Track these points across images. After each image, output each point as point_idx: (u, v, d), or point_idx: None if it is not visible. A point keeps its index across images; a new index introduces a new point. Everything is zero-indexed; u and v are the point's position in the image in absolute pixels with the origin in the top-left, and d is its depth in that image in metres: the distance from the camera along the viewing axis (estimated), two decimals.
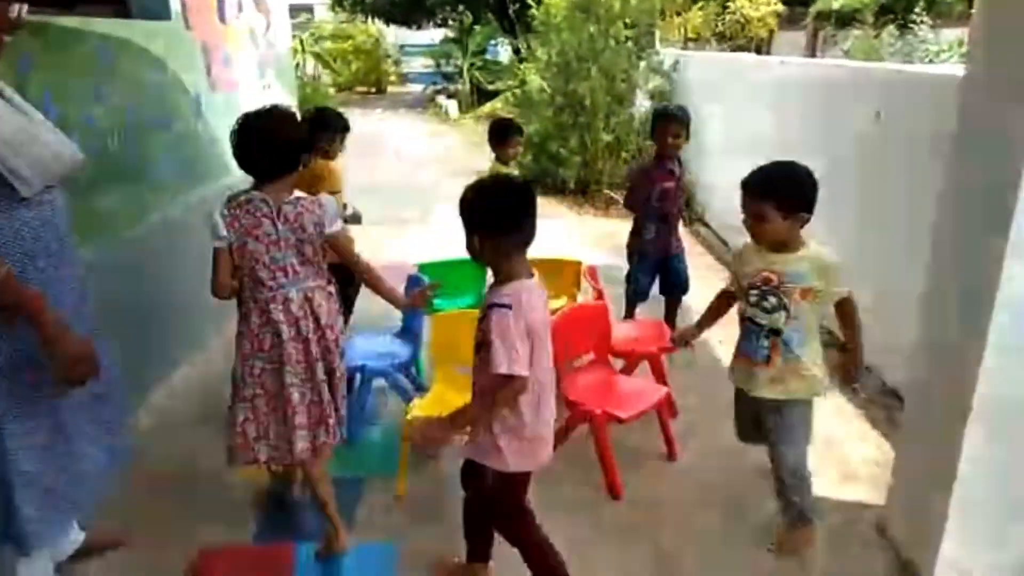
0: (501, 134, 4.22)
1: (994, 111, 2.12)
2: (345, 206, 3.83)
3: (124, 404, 2.35)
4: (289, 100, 6.79)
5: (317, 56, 21.21)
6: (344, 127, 3.96)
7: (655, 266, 4.07)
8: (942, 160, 2.39)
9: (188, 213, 4.36)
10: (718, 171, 6.83)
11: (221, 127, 4.99)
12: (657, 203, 3.93)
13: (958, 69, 2.95)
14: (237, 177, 5.12)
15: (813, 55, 17.35)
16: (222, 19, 5.08)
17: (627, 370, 3.49)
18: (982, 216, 2.16)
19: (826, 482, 3.02)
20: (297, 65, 17.11)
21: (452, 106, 17.30)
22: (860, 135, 4.04)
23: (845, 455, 3.23)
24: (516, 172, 4.38)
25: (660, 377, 3.48)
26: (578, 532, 2.74)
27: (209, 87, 4.81)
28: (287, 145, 2.38)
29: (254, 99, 5.74)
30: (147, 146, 3.98)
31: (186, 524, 2.79)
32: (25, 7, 1.83)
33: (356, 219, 4.06)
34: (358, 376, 3.37)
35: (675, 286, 4.14)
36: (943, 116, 2.40)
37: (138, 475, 3.08)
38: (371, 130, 14.66)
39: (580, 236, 6.76)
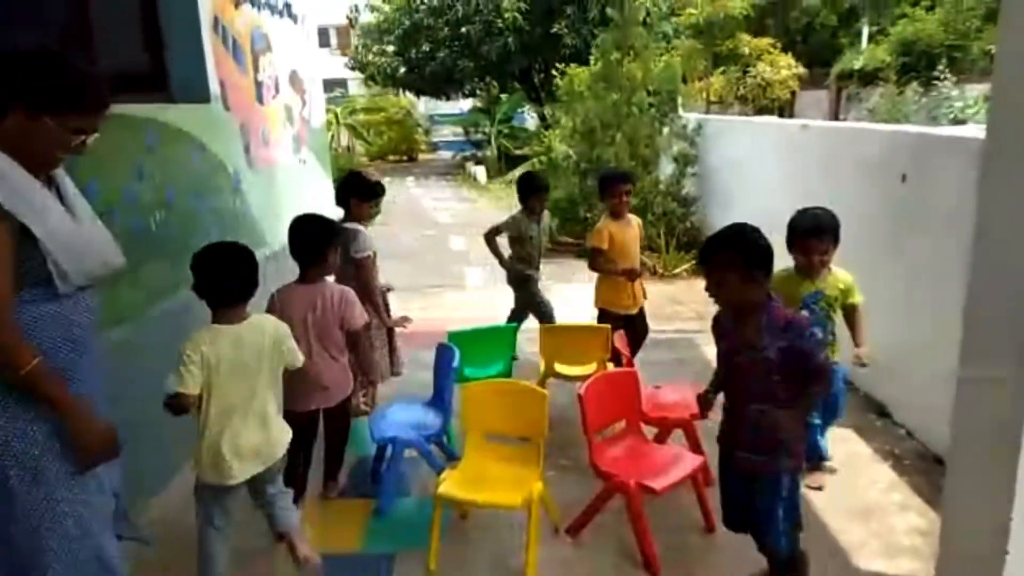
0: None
1: (1015, 177, 2.12)
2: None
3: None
4: (323, 171, 7.02)
5: (351, 128, 21.94)
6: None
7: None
8: (967, 229, 2.37)
9: None
10: None
11: (258, 202, 5.17)
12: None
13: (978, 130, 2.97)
14: (274, 248, 5.29)
15: (836, 114, 17.47)
16: (260, 100, 5.32)
17: (660, 438, 3.44)
18: (1015, 284, 2.13)
19: (870, 554, 2.92)
20: (332, 137, 17.71)
21: (480, 172, 17.66)
22: (886, 198, 4.04)
23: (888, 526, 3.12)
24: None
25: (695, 445, 3.42)
26: None
27: (247, 165, 5.00)
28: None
29: (291, 173, 5.95)
30: (187, 222, 4.13)
31: None
32: (95, 136, 1.98)
33: (388, 290, 4.15)
34: (390, 448, 3.37)
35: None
36: (969, 178, 2.40)
37: (171, 553, 3.10)
38: (403, 197, 15.01)
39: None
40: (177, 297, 3.86)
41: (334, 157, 11.26)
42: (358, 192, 4.02)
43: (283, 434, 2.68)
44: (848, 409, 4.14)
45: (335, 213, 6.53)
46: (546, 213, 5.43)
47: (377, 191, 4.14)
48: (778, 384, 2.37)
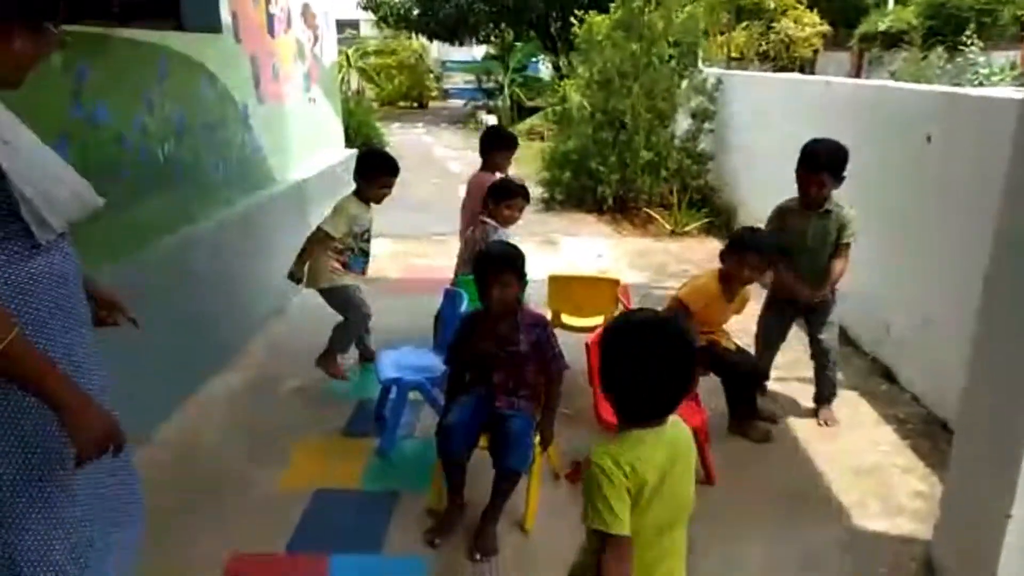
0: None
1: None
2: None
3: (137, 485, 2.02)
4: (334, 112, 6.90)
5: (361, 71, 21.57)
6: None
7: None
8: (997, 189, 2.31)
9: (231, 223, 4.43)
10: (759, 192, 6.73)
11: (267, 137, 5.08)
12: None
13: (1012, 92, 2.87)
14: (281, 188, 5.23)
15: (858, 76, 17.09)
16: (271, 33, 5.19)
17: None
18: None
19: (871, 514, 2.93)
20: (342, 79, 17.42)
21: (492, 121, 17.40)
22: (909, 159, 3.94)
23: (891, 487, 3.12)
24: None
25: (696, 401, 3.41)
26: None
27: (256, 99, 4.91)
28: None
29: (300, 111, 5.85)
30: (196, 154, 4.06)
31: (220, 532, 2.81)
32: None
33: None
34: (394, 389, 3.37)
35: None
36: (997, 141, 2.32)
37: (173, 484, 3.14)
38: (412, 144, 14.83)
39: (616, 254, 6.72)
40: (182, 231, 3.83)
41: (344, 100, 11.09)
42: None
43: None
44: (854, 372, 4.14)
45: (339, 152, 6.44)
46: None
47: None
48: None
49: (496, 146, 4.40)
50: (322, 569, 2.62)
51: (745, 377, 3.50)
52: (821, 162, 3.33)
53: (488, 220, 3.76)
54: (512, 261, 2.80)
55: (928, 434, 3.52)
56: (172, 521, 2.85)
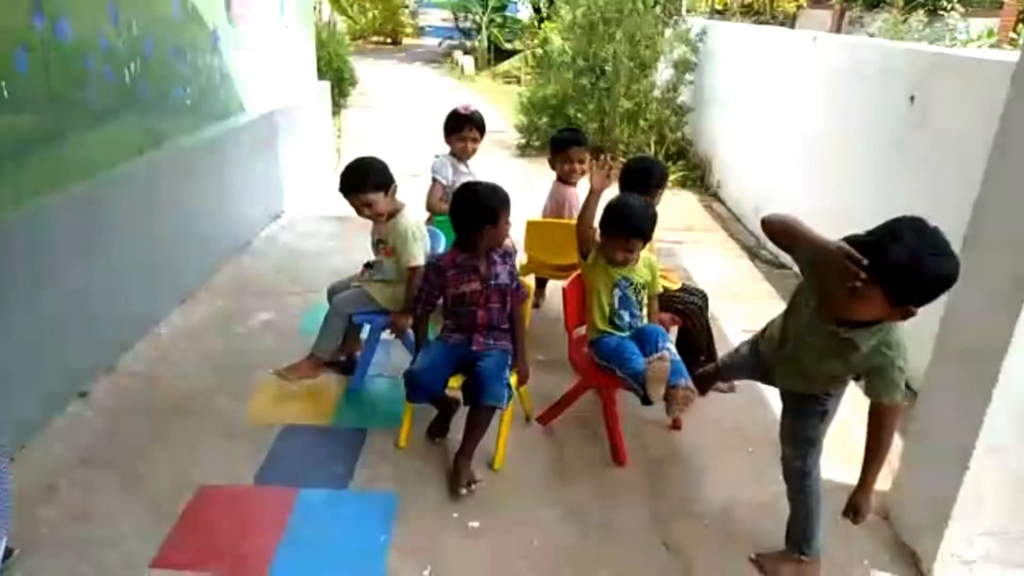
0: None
1: None
2: None
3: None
4: (307, 41, 6.65)
5: (334, 1, 20.80)
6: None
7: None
8: (979, 151, 2.31)
9: (199, 150, 4.28)
10: (735, 146, 6.73)
11: (237, 63, 4.89)
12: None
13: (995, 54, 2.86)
14: (253, 116, 5.05)
15: (838, 34, 17.01)
16: None
17: None
18: (1016, 220, 2.10)
19: (832, 465, 3.00)
20: (314, 9, 16.80)
21: (468, 62, 17.02)
22: (892, 119, 3.94)
23: (851, 440, 3.19)
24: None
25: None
26: (578, 495, 2.74)
27: (227, 21, 4.70)
28: None
29: (273, 37, 5.62)
30: (165, 77, 3.89)
31: (187, 462, 2.78)
32: None
33: None
34: (366, 328, 3.33)
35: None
36: (981, 104, 2.32)
37: (137, 411, 3.09)
38: (387, 81, 14.46)
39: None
40: (148, 155, 3.69)
41: (316, 31, 10.70)
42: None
43: None
44: None
45: (311, 84, 6.20)
46: None
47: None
48: None
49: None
50: (289, 502, 2.61)
51: (696, 317, 3.41)
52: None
53: (440, 155, 3.85)
54: (507, 200, 2.78)
55: None
56: (138, 448, 2.83)
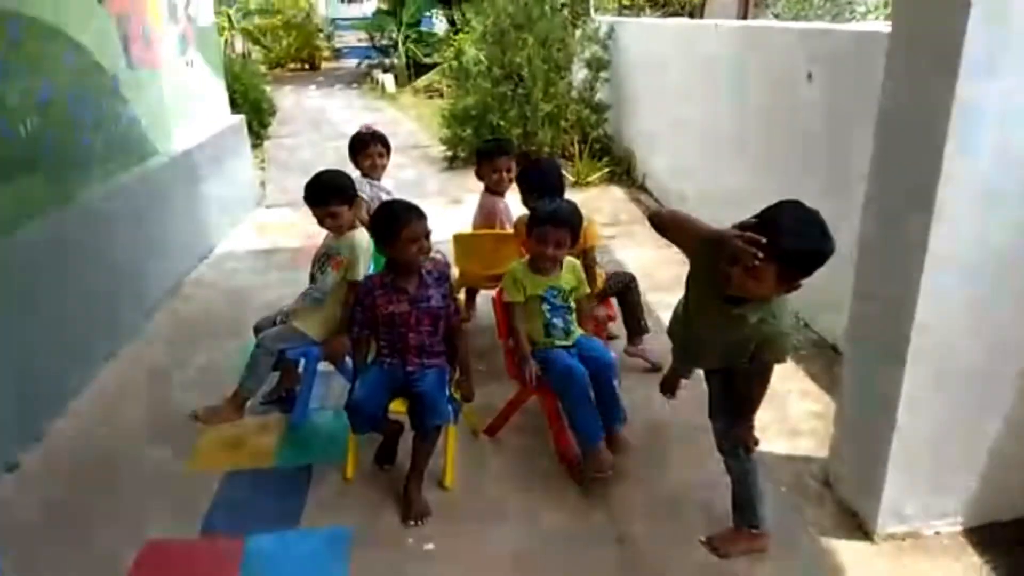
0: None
1: (915, 75, 2.15)
2: None
3: None
4: (214, 77, 6.53)
5: (246, 32, 20.49)
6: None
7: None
8: (871, 122, 2.41)
9: (112, 199, 4.16)
10: (656, 138, 6.86)
11: (144, 107, 4.77)
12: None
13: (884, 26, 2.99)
14: (164, 159, 4.93)
15: (745, 18, 17.49)
16: None
17: None
18: (911, 180, 2.19)
19: (771, 437, 3.09)
20: (225, 42, 16.50)
21: (388, 80, 16.94)
22: (793, 97, 4.08)
23: (788, 411, 3.30)
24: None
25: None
26: (531, 503, 2.75)
27: (127, 65, 4.58)
28: None
29: (178, 76, 5.50)
30: (65, 129, 3.76)
31: (132, 519, 2.70)
32: None
33: None
34: (302, 361, 3.28)
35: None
36: (872, 76, 2.42)
37: (72, 476, 2.98)
38: (308, 107, 14.29)
39: (523, 209, 6.67)
40: (55, 212, 3.56)
41: (228, 63, 10.51)
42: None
43: None
44: None
45: (224, 118, 6.12)
46: None
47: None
48: None
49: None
50: (238, 549, 2.55)
51: (627, 291, 3.64)
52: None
53: (359, 179, 3.80)
54: (420, 211, 2.76)
55: (820, 358, 3.74)
56: (75, 514, 2.73)
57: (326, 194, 3.16)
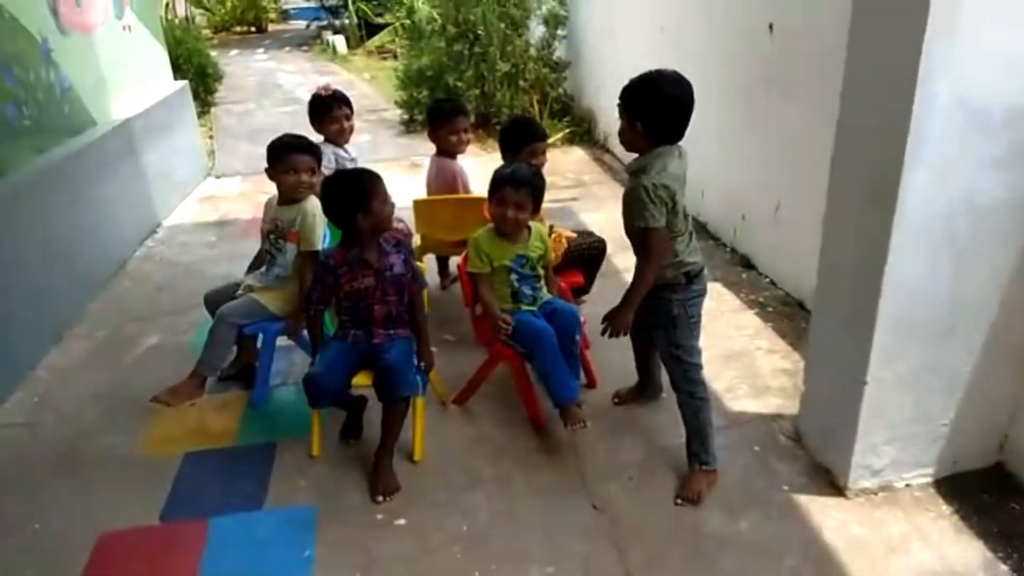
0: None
1: (884, 22, 2.08)
2: None
3: None
4: (154, 42, 6.21)
5: None
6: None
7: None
8: (838, 74, 2.35)
9: (46, 174, 3.93)
10: (617, 96, 6.74)
11: (77, 74, 4.50)
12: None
13: None
14: (104, 130, 4.68)
15: None
16: None
17: None
18: (878, 135, 2.14)
19: (741, 396, 3.09)
20: (166, 6, 15.77)
21: (340, 42, 16.42)
22: (755, 50, 4.01)
23: (757, 369, 3.29)
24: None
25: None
26: (503, 470, 2.70)
27: (57, 29, 4.30)
28: None
29: (113, 40, 5.21)
30: None
31: (86, 511, 2.58)
32: None
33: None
34: (260, 337, 3.15)
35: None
36: (837, 26, 2.36)
37: (22, 464, 2.84)
38: (256, 71, 13.80)
39: (484, 171, 6.52)
40: None
41: (170, 28, 10.04)
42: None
43: None
44: (716, 264, 4.29)
45: (167, 85, 5.85)
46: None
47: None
48: None
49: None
50: (201, 534, 2.46)
51: (599, 256, 3.54)
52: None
53: (323, 145, 3.57)
54: (372, 182, 2.63)
55: (788, 315, 3.74)
56: (23, 511, 2.60)
57: (303, 150, 3.02)
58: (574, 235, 3.50)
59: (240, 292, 3.13)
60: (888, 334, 2.26)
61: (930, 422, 2.44)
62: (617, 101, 2.39)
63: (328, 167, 3.52)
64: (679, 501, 2.50)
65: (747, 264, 4.35)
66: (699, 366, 2.54)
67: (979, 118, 2.02)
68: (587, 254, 3.49)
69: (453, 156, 3.79)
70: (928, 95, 1.96)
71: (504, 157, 3.35)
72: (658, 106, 2.29)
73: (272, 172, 3.05)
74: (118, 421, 3.09)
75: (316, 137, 3.67)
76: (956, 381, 2.39)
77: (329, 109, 3.72)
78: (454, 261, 3.91)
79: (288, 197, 3.06)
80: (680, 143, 2.36)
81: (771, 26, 3.83)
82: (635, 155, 2.40)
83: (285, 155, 3.00)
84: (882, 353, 2.29)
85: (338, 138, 3.75)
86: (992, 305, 2.29)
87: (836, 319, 2.51)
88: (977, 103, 2.00)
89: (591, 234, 3.62)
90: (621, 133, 2.40)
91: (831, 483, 2.54)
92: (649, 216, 2.27)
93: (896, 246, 2.14)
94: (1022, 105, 2.02)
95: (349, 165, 3.63)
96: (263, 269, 3.17)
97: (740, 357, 3.38)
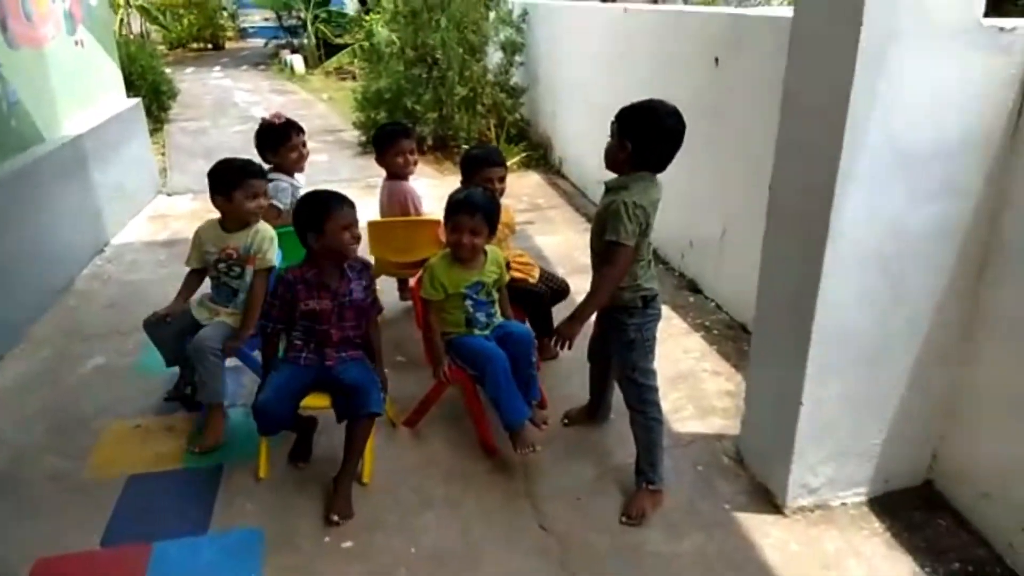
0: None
1: (817, 58, 2.20)
2: None
3: None
4: (107, 58, 6.14)
5: (143, 10, 19.36)
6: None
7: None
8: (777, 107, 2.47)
9: None
10: (572, 122, 6.89)
11: (26, 89, 4.43)
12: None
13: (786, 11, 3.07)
14: (52, 147, 4.60)
15: (655, 2, 17.76)
16: None
17: None
18: (811, 166, 2.25)
19: (686, 418, 3.16)
20: (120, 21, 15.56)
21: (298, 61, 16.40)
22: (702, 81, 4.15)
23: (702, 390, 3.38)
24: None
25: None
26: (453, 493, 2.72)
27: (6, 44, 4.23)
28: None
29: (65, 56, 5.14)
30: None
31: (24, 531, 2.52)
32: None
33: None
34: None
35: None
36: (777, 61, 2.47)
37: None
38: (212, 89, 13.68)
39: (441, 193, 6.53)
40: None
41: (124, 44, 9.92)
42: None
43: None
44: (664, 289, 4.36)
45: (119, 102, 5.80)
46: None
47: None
48: None
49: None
50: (143, 560, 2.42)
51: (557, 297, 3.53)
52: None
53: (276, 176, 3.51)
54: (330, 205, 2.61)
55: (732, 338, 3.84)
56: None
57: (258, 175, 3.00)
58: (534, 278, 3.47)
59: (205, 318, 3.06)
60: (822, 356, 2.36)
61: (864, 442, 2.54)
62: (611, 119, 2.45)
63: (285, 203, 3.47)
64: (624, 520, 2.55)
65: (694, 288, 4.47)
66: (654, 388, 2.59)
67: (907, 152, 2.13)
68: (551, 287, 3.49)
69: (404, 178, 3.81)
70: (857, 131, 2.07)
71: (463, 183, 3.36)
72: (654, 134, 2.36)
73: (226, 197, 2.94)
74: (60, 443, 3.02)
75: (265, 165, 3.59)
76: (888, 402, 2.50)
77: (288, 137, 3.59)
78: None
79: (243, 222, 3.01)
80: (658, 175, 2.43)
81: (716, 60, 3.98)
82: (613, 175, 2.47)
83: (245, 180, 2.94)
84: (817, 374, 2.38)
85: (295, 167, 3.64)
86: (922, 329, 2.40)
87: (774, 341, 2.60)
88: (905, 138, 2.11)
89: (551, 279, 3.59)
90: (608, 151, 2.45)
91: (770, 502, 2.62)
92: (623, 231, 2.31)
93: (828, 271, 2.24)
94: (949, 139, 2.15)
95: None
96: (220, 296, 3.09)
97: (686, 379, 3.46)
